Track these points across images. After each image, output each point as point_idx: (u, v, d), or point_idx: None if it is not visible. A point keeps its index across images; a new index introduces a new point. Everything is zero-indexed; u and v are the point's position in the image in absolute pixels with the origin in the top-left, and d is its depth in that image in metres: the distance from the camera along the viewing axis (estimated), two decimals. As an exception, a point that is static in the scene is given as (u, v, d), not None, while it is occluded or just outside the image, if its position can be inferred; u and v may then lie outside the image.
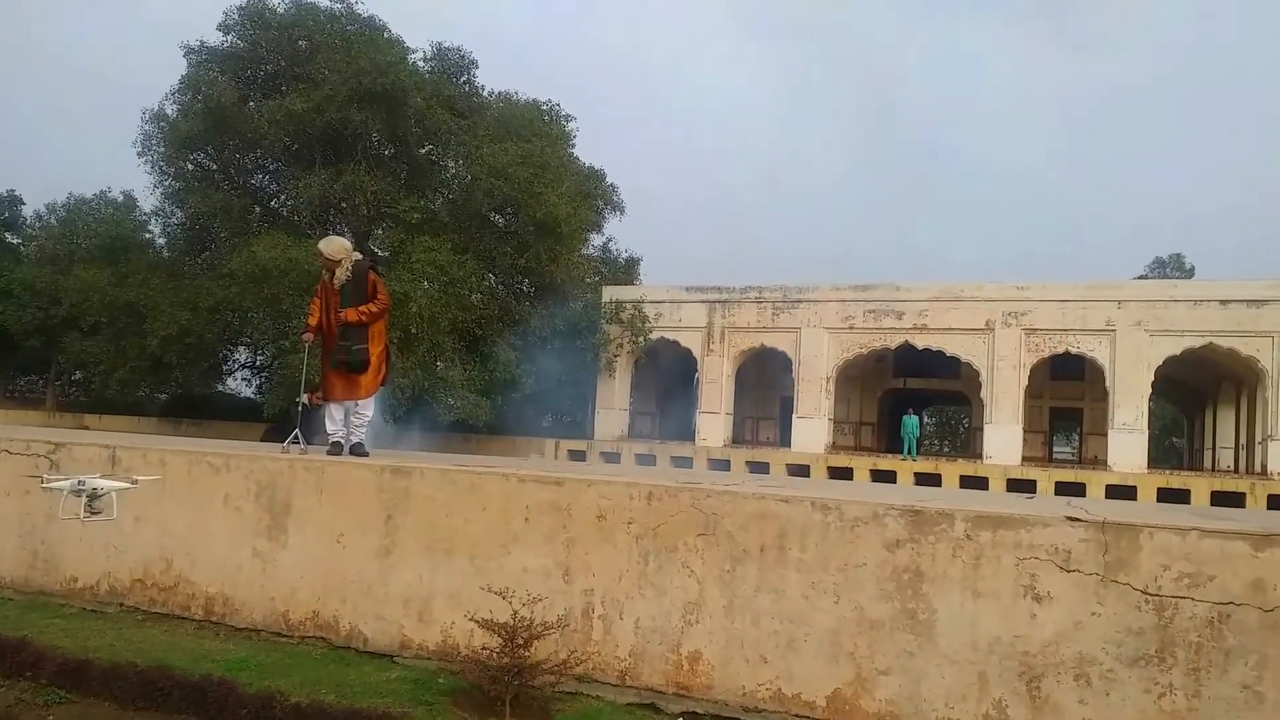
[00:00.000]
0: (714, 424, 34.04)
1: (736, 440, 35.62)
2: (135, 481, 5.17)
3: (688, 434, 35.42)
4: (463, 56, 32.56)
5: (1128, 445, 29.12)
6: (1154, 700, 4.46)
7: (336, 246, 7.57)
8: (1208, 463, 35.94)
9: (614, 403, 35.59)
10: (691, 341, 34.76)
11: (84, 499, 4.74)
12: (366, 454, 7.31)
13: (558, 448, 32.50)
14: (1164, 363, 28.99)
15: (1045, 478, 27.76)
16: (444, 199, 32.63)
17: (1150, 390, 29.59)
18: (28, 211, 46.14)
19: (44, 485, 4.91)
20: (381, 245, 30.26)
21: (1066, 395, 36.04)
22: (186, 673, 5.13)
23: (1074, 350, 30.08)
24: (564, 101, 34.90)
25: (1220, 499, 25.03)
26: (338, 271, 7.44)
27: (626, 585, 5.56)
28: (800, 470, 28.66)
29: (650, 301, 34.85)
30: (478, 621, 5.35)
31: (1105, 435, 30.26)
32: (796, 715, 5.06)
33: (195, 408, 38.71)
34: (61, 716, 4.85)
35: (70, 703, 5.03)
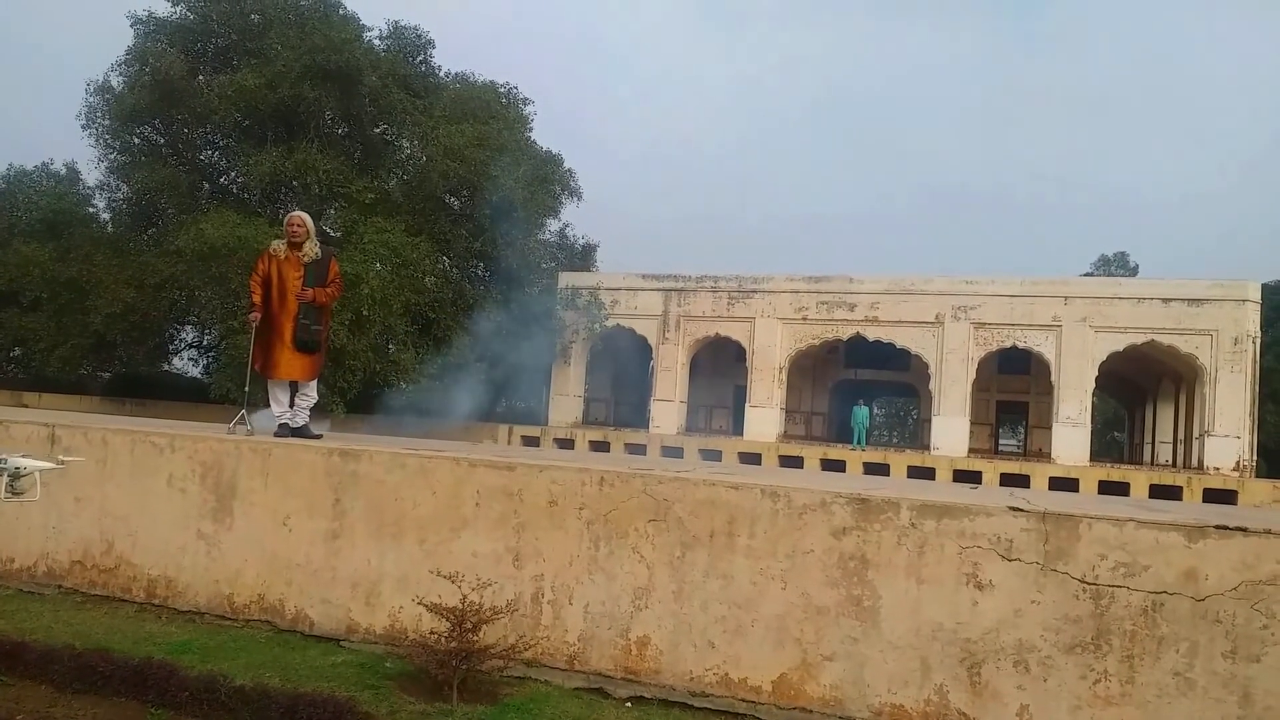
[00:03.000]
0: (668, 412, 34.17)
1: (690, 428, 35.78)
2: (62, 462, 5.04)
3: (642, 421, 35.50)
4: (419, 36, 32.15)
5: (1071, 439, 29.80)
6: (1089, 686, 4.58)
7: (310, 220, 7.53)
8: (1147, 457, 36.88)
9: (569, 389, 35.54)
10: (647, 329, 34.82)
11: (5, 479, 4.61)
12: (317, 436, 7.22)
13: (511, 433, 32.39)
14: (1107, 358, 29.69)
15: (991, 469, 28.29)
16: (398, 180, 32.23)
17: (1094, 385, 30.29)
18: (-38, 183, 44.58)
19: None
20: (334, 225, 29.78)
21: (1013, 389, 36.76)
22: (127, 656, 5.04)
23: (1021, 344, 30.67)
24: (522, 86, 34.39)
25: (1158, 492, 25.74)
26: (306, 245, 7.34)
27: (577, 570, 5.56)
28: (752, 458, 28.88)
29: (606, 288, 34.83)
30: (426, 606, 5.32)
31: (1050, 428, 30.93)
32: (743, 700, 5.11)
33: (140, 387, 37.79)
34: (-5, 700, 4.74)
35: (4, 685, 4.91)
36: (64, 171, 39.46)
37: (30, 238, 33.38)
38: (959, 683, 4.77)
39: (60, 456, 5.29)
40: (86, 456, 6.92)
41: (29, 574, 7.03)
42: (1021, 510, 4.81)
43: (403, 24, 31.90)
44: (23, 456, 4.67)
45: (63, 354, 32.24)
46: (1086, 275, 45.55)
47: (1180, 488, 26.58)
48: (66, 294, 30.95)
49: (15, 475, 4.51)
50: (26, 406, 28.88)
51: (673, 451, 29.64)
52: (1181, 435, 32.83)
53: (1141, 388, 38.59)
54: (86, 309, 29.92)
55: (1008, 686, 4.69)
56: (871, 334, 32.26)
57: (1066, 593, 4.66)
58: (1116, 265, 52.70)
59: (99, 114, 30.16)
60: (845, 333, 32.65)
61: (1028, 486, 24.43)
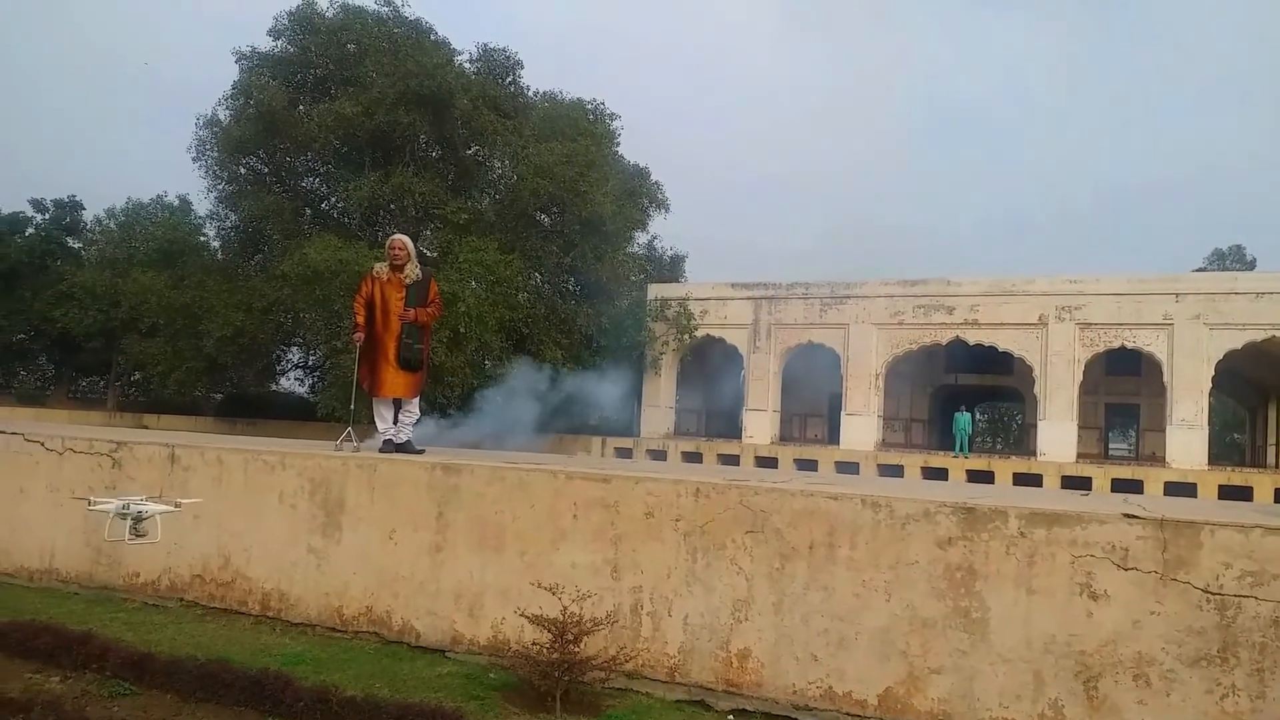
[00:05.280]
0: (761, 421, 33.88)
1: (784, 438, 35.41)
2: (179, 505, 5.33)
3: (734, 431, 35.30)
4: (508, 57, 32.76)
5: (1187, 441, 28.44)
6: (1216, 701, 4.36)
7: (410, 242, 7.78)
8: (1271, 459, 34.96)
9: (660, 400, 35.58)
10: (737, 338, 34.64)
11: (129, 521, 4.89)
12: (419, 451, 7.40)
13: (604, 445, 32.56)
14: (1224, 357, 28.27)
15: (1101, 475, 27.21)
16: (490, 199, 32.87)
17: (1210, 385, 28.87)
18: (88, 217, 47.26)
19: (90, 508, 5.05)
20: (430, 246, 30.54)
21: (1123, 390, 35.32)
22: (245, 666, 5.24)
23: (1130, 345, 29.45)
24: (608, 96, 34.78)
25: (1285, 496, 24.37)
26: (407, 267, 7.58)
27: (675, 582, 5.56)
28: (849, 467, 28.41)
29: (695, 299, 34.79)
30: (528, 617, 5.39)
31: (1163, 431, 29.57)
32: (847, 714, 5.02)
33: (250, 407, 39.38)
34: (125, 708, 4.97)
35: (133, 694, 5.15)
36: (177, 203, 41.58)
37: (147, 267, 35.21)
38: (1075, 697, 4.60)
39: (178, 499, 5.59)
40: (203, 475, 7.24)
41: (153, 588, 7.37)
42: (1137, 517, 4.62)
43: (491, 46, 32.59)
44: (144, 501, 4.97)
45: (179, 377, 33.80)
46: (1199, 271, 43.54)
47: (1309, 492, 25.12)
48: (181, 319, 32.46)
49: (138, 519, 4.79)
50: (147, 428, 30.33)
51: (767, 462, 29.40)
52: (1309, 436, 31.07)
53: (1263, 387, 36.64)
54: (199, 333, 31.32)
55: (1128, 701, 4.50)
56: (972, 337, 31.43)
57: (1188, 603, 4.44)
58: (1232, 259, 50.26)
59: (208, 146, 31.61)
60: (944, 337, 31.88)
61: (1141, 492, 23.42)
